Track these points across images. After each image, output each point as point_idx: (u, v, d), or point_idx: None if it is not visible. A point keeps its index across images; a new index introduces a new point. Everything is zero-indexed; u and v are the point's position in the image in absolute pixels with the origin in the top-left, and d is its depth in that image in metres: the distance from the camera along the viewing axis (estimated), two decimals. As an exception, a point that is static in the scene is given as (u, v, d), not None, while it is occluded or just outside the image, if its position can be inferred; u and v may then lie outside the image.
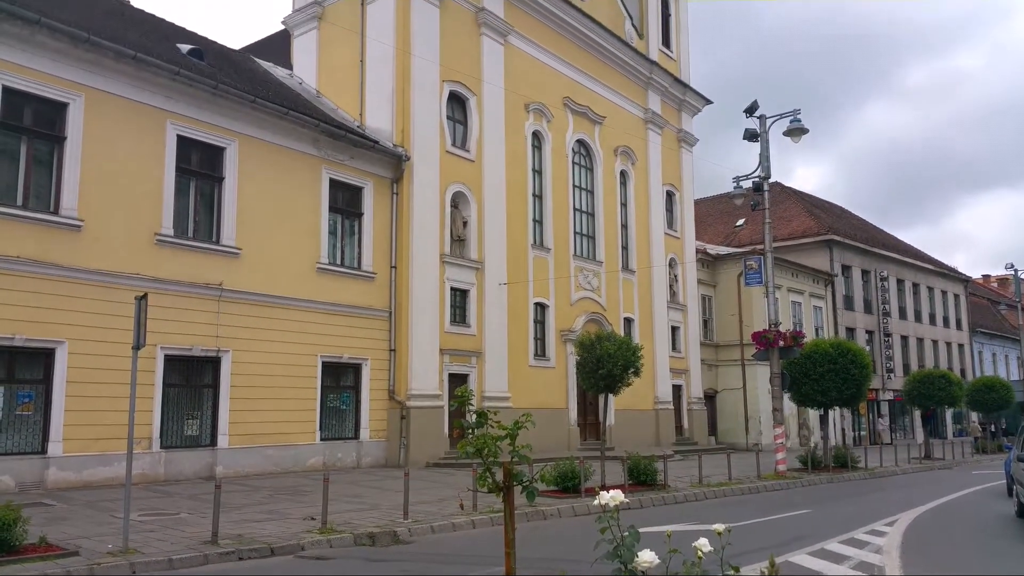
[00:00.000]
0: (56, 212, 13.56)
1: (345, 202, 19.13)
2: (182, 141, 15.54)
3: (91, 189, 13.94)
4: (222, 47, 20.93)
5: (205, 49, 18.19)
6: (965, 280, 55.07)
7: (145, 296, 8.54)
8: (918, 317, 47.88)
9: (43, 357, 13.27)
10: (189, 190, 15.86)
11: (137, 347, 8.48)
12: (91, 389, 13.39)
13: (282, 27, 23.66)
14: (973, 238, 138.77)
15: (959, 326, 52.88)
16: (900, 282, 46.33)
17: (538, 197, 24.99)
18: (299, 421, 17.22)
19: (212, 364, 15.74)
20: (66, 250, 13.49)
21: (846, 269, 41.58)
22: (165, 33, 18.23)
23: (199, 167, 16.06)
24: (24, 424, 13.05)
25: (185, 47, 17.32)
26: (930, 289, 49.71)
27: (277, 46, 23.96)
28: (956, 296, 53.04)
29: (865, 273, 43.08)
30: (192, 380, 15.66)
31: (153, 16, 19.34)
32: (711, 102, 34.12)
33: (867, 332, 42.25)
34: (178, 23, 19.87)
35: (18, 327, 12.76)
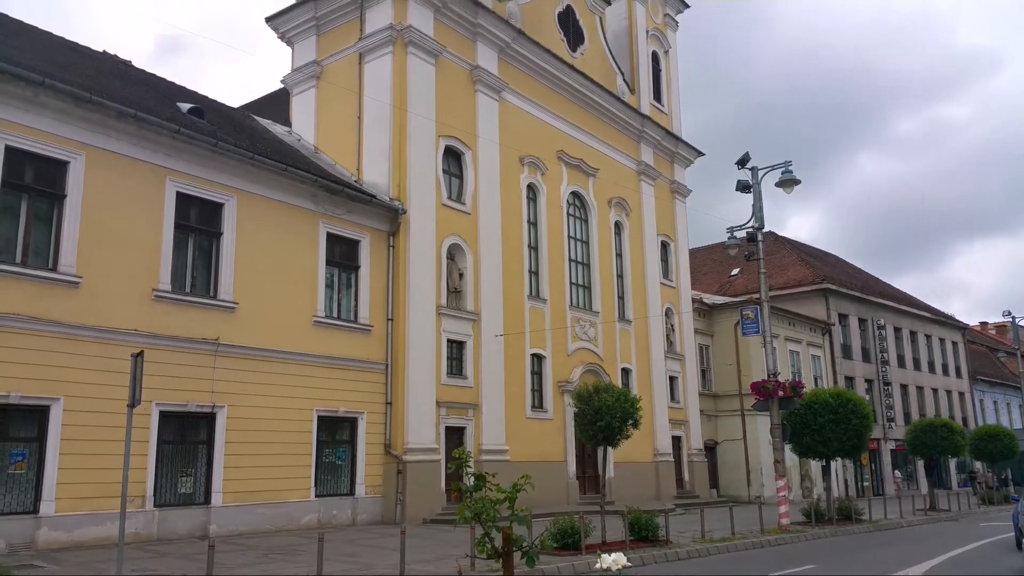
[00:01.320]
0: (54, 268, 13.62)
1: (342, 255, 19.23)
2: (181, 198, 15.70)
3: (90, 245, 14.02)
4: (222, 105, 21.30)
5: (206, 107, 18.50)
6: (963, 328, 55.12)
7: (141, 353, 8.54)
8: (917, 365, 47.78)
9: (38, 415, 13.15)
10: (187, 245, 15.94)
11: (132, 405, 8.44)
12: (85, 447, 13.23)
13: (281, 86, 24.10)
14: (969, 285, 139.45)
15: (959, 374, 52.74)
16: (898, 330, 46.35)
17: (534, 248, 25.17)
18: (294, 477, 16.99)
19: (207, 420, 15.60)
20: (63, 306, 13.49)
21: (843, 318, 41.65)
22: (167, 93, 18.57)
23: (198, 223, 16.17)
24: (16, 483, 12.85)
25: (186, 106, 17.62)
26: (928, 337, 49.71)
27: (276, 104, 24.40)
28: (954, 344, 53.02)
29: (862, 321, 43.14)
30: (187, 436, 15.50)
31: (155, 76, 19.71)
32: (703, 154, 34.64)
33: (866, 381, 42.11)
34: (179, 83, 20.19)
35: (13, 384, 12.68)
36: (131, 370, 8.14)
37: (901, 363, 45.77)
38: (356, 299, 19.37)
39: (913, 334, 47.93)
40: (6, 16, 17.16)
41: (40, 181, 13.78)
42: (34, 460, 13.00)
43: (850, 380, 40.30)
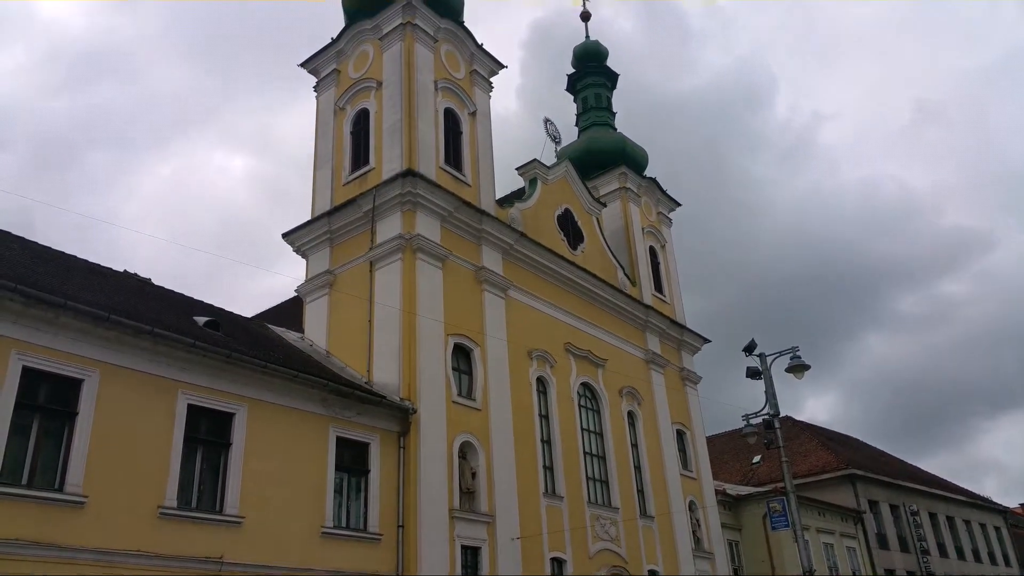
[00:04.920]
0: (61, 489, 13.35)
1: (351, 460, 18.86)
2: (192, 410, 15.71)
3: (97, 464, 13.83)
4: (237, 316, 21.94)
5: (221, 319, 19.05)
6: (1003, 511, 52.23)
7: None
8: (960, 554, 44.73)
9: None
10: (196, 459, 15.71)
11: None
12: None
13: (295, 294, 24.95)
14: (1001, 464, 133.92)
15: (1007, 561, 49.24)
16: (932, 516, 43.95)
17: (547, 443, 24.69)
18: None
19: (206, 648, 14.52)
20: (67, 529, 13.07)
21: (873, 504, 39.77)
22: (184, 307, 19.22)
23: (207, 434, 16.06)
24: None
25: (202, 319, 18.16)
26: (967, 522, 46.95)
27: (290, 311, 25.11)
28: (997, 528, 50.02)
29: (894, 508, 41.12)
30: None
31: (173, 292, 20.48)
32: (709, 340, 34.97)
33: (907, 573, 39.36)
34: (196, 296, 20.96)
35: (5, 617, 11.98)
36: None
37: (942, 551, 42.93)
38: (366, 505, 18.72)
39: (950, 519, 45.37)
40: (32, 242, 18.14)
41: (53, 400, 13.89)
42: None
43: (890, 573, 37.73)
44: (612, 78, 39.21)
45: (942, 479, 50.65)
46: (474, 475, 21.39)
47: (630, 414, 29.04)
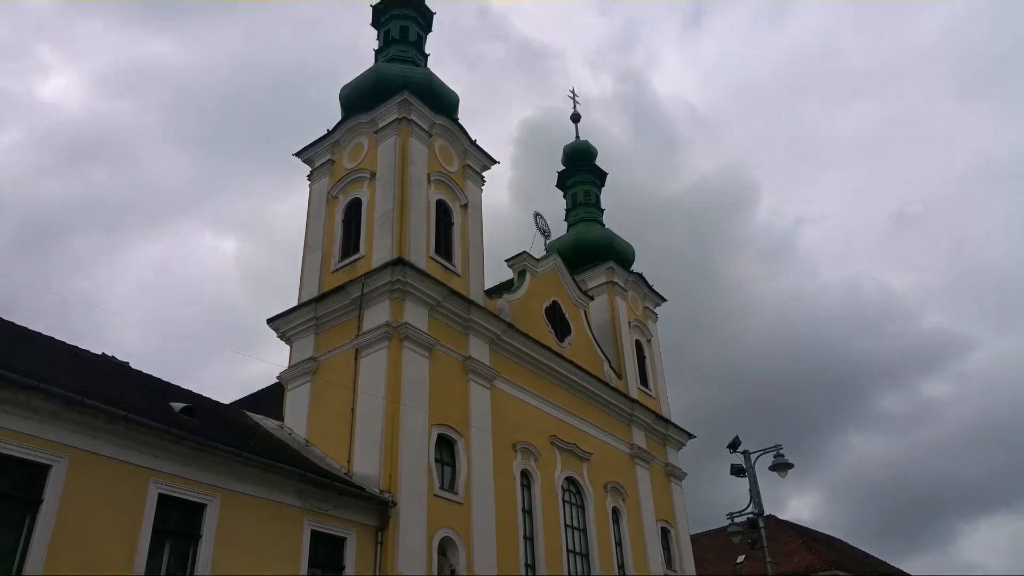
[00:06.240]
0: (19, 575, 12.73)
1: (326, 555, 18.19)
2: (163, 500, 15.21)
3: (61, 550, 13.26)
4: (215, 403, 21.55)
5: (198, 405, 18.72)
6: (987, 615, 50.79)
7: None
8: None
9: None
10: (163, 551, 15.09)
11: None
12: None
13: (276, 380, 24.63)
14: (982, 566, 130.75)
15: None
16: (923, 621, 42.66)
17: (529, 539, 23.99)
18: None
19: None
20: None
21: (859, 606, 38.58)
22: (160, 392, 18.89)
23: (177, 526, 15.50)
24: None
25: (179, 405, 17.83)
26: (959, 628, 45.62)
27: (271, 399, 24.73)
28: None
29: (883, 613, 39.90)
30: None
31: (151, 377, 20.17)
32: (694, 436, 34.62)
33: None
34: (175, 382, 20.61)
35: None
36: None
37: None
38: (339, 606, 17.95)
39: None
40: (10, 323, 17.89)
41: (17, 487, 13.41)
42: None
43: None
44: (601, 176, 40.21)
45: (927, 582, 49.33)
46: (453, 573, 20.64)
47: (615, 510, 28.40)
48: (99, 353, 19.92)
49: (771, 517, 37.72)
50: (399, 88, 26.24)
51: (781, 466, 19.87)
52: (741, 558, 39.78)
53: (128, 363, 20.24)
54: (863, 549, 50.76)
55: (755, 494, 20.06)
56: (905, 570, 50.75)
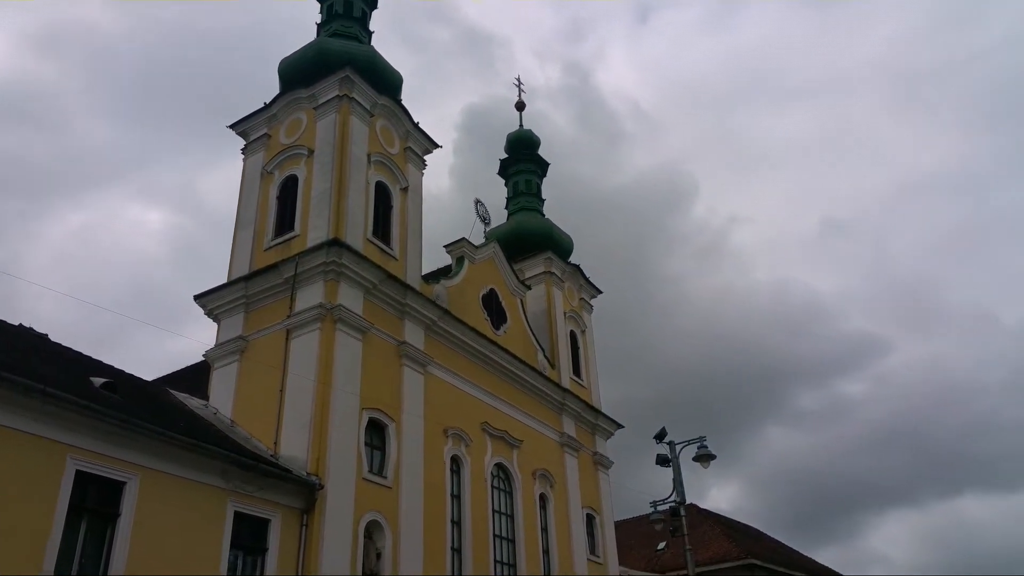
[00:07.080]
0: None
1: (249, 537, 17.93)
2: (80, 476, 14.74)
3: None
4: (138, 380, 20.91)
5: (121, 381, 18.14)
6: (891, 603, 53.63)
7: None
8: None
9: None
10: (79, 529, 14.66)
11: None
12: None
13: (202, 359, 24.04)
14: (887, 558, 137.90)
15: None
16: (831, 608, 44.82)
17: (457, 524, 24.14)
18: None
19: None
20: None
21: (772, 594, 40.22)
22: (82, 366, 18.25)
23: (95, 503, 15.06)
24: None
25: (100, 380, 17.25)
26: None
27: (196, 376, 24.14)
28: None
29: (792, 597, 41.69)
30: None
31: (71, 350, 19.45)
32: (622, 426, 35.33)
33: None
34: (96, 356, 19.91)
35: None
36: None
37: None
38: (260, 587, 17.74)
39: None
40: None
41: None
42: None
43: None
44: (543, 166, 40.42)
45: (834, 571, 51.79)
46: (379, 556, 20.64)
47: (542, 497, 28.82)
48: (16, 324, 19.09)
49: (692, 506, 38.94)
50: (342, 64, 25.76)
51: (704, 457, 20.56)
52: (662, 545, 40.95)
53: (47, 335, 19.45)
54: (778, 539, 52.99)
55: (678, 483, 20.71)
56: (817, 559, 53.17)
